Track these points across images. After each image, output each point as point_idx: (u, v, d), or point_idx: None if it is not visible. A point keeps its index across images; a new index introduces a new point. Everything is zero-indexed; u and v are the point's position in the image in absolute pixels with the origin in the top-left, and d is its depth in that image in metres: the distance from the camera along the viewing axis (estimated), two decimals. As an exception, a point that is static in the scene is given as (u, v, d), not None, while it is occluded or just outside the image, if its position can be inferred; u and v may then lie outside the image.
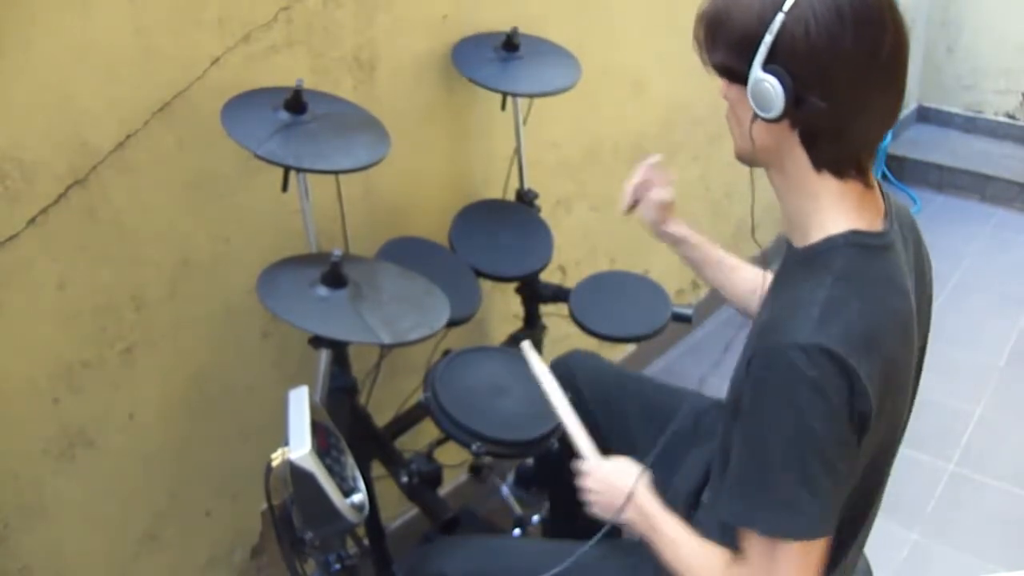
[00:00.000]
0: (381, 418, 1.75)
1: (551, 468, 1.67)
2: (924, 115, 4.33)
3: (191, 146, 1.44)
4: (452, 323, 1.50)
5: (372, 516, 1.60)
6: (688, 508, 1.29)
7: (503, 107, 1.87)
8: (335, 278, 1.35)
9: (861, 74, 0.94)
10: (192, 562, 1.67)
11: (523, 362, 1.60)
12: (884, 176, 3.96)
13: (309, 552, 1.30)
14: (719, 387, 1.34)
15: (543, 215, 1.94)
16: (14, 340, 1.32)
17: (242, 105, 1.41)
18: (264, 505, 1.23)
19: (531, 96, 1.85)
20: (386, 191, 1.78)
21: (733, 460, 1.02)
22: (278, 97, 1.42)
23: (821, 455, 0.95)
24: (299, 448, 1.13)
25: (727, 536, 1.06)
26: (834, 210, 1.01)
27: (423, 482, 1.54)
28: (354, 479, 1.24)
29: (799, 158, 1.00)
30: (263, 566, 1.76)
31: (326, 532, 1.25)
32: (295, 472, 1.13)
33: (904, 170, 3.98)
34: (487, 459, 1.52)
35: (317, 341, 1.42)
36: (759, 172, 1.09)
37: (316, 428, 1.18)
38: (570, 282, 1.93)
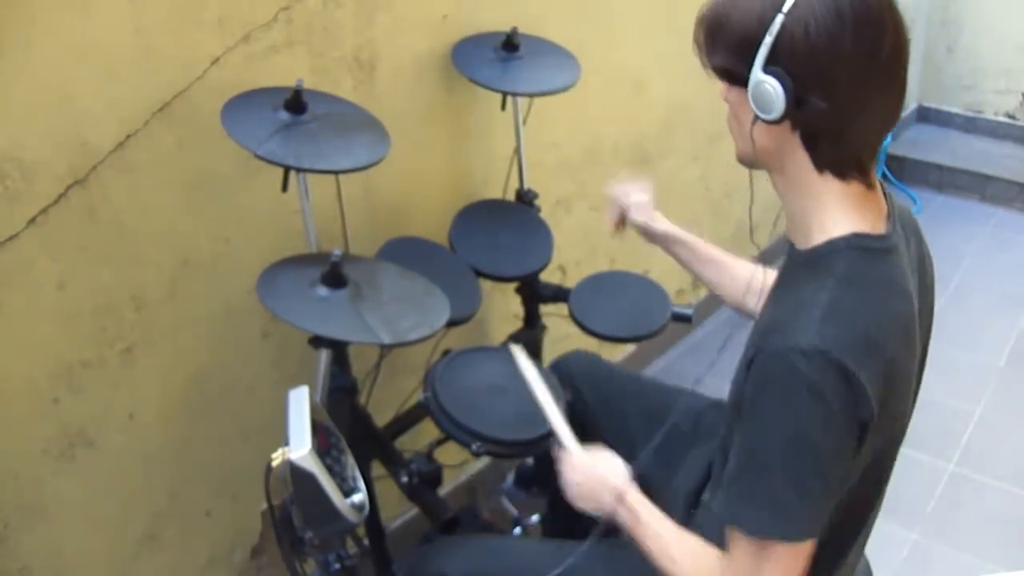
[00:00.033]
0: (381, 418, 1.75)
1: (551, 468, 1.67)
2: (924, 115, 4.33)
3: (191, 146, 1.44)
4: (452, 323, 1.50)
5: (372, 516, 1.60)
6: (688, 508, 1.29)
7: (503, 107, 1.87)
8: (335, 278, 1.35)
9: (861, 75, 0.94)
10: (192, 562, 1.67)
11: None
12: (884, 176, 3.96)
13: (309, 552, 1.30)
14: (715, 387, 1.35)
15: (543, 215, 1.94)
16: (14, 340, 1.32)
17: (242, 105, 1.41)
18: (264, 505, 1.23)
19: (531, 96, 1.85)
20: (386, 191, 1.78)
21: (730, 459, 1.02)
22: (278, 97, 1.42)
23: (814, 459, 0.96)
24: (299, 448, 1.13)
25: (725, 535, 1.06)
26: (836, 211, 1.01)
27: (423, 482, 1.54)
28: (354, 479, 1.24)
29: (800, 159, 1.00)
30: (263, 566, 1.76)
31: (326, 532, 1.25)
32: (295, 472, 1.13)
33: (904, 170, 3.98)
34: (482, 466, 1.51)
35: (317, 341, 1.42)
36: (758, 175, 1.09)
37: (316, 428, 1.18)
38: (570, 282, 1.93)
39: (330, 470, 1.18)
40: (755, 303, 1.35)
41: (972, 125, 4.20)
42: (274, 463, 1.16)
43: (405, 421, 1.78)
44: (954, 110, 4.25)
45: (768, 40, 0.94)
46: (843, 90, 0.94)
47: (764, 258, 1.21)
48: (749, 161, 1.06)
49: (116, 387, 1.45)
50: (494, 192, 1.98)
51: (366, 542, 1.61)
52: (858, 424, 0.96)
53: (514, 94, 1.82)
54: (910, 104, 4.30)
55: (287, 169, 1.39)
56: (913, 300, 1.04)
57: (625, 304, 1.88)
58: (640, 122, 2.44)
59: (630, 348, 2.62)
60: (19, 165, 1.25)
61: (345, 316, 1.32)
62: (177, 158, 1.43)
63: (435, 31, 1.78)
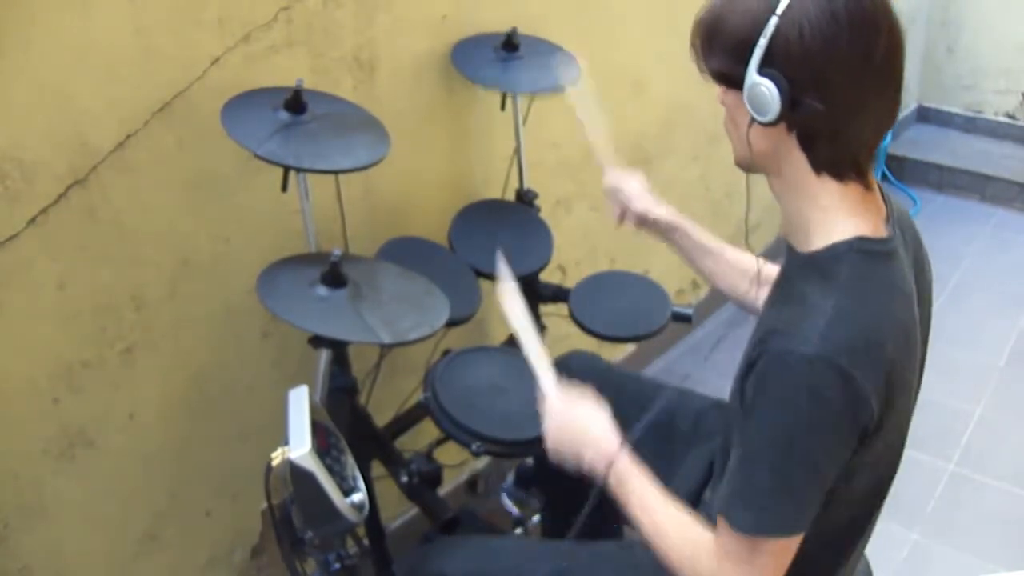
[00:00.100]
0: (381, 418, 1.75)
1: (551, 468, 1.67)
2: (924, 115, 4.33)
3: (191, 146, 1.44)
4: (452, 323, 1.50)
5: (372, 516, 1.60)
6: (688, 507, 1.29)
7: (503, 107, 1.87)
8: (335, 278, 1.35)
9: (856, 76, 0.94)
10: (192, 562, 1.67)
11: (523, 362, 1.60)
12: (884, 176, 3.97)
13: (309, 552, 1.30)
14: (711, 384, 1.35)
15: (543, 215, 1.94)
16: (14, 340, 1.32)
17: (242, 105, 1.41)
18: (264, 505, 1.23)
19: (531, 95, 1.85)
20: (386, 191, 1.78)
21: (731, 456, 1.03)
22: (278, 97, 1.42)
23: (811, 462, 0.97)
24: (299, 448, 1.13)
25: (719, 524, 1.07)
26: (836, 213, 1.01)
27: (423, 482, 1.54)
28: (354, 479, 1.24)
29: (797, 161, 1.01)
30: (263, 566, 1.76)
31: (326, 532, 1.25)
32: (295, 472, 1.13)
33: (904, 170, 3.98)
34: (481, 464, 1.51)
35: (317, 341, 1.42)
36: (755, 179, 1.09)
37: (316, 428, 1.19)
38: (570, 282, 1.93)
39: (330, 470, 1.18)
40: (754, 295, 1.35)
41: (972, 125, 4.20)
42: (274, 463, 1.16)
43: (405, 421, 1.78)
44: (954, 110, 4.25)
45: (762, 42, 0.94)
46: (839, 91, 0.94)
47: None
48: (747, 164, 1.07)
49: (116, 387, 1.45)
50: (494, 192, 1.98)
51: (366, 542, 1.61)
52: (858, 427, 0.97)
53: (514, 94, 1.82)
54: (910, 104, 4.30)
55: (287, 169, 1.39)
56: (914, 303, 1.04)
57: (625, 304, 1.88)
58: (640, 122, 2.44)
59: (630, 348, 2.62)
60: (19, 165, 1.25)
61: (345, 316, 1.32)
62: (177, 158, 1.43)
63: (435, 31, 1.78)
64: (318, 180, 1.53)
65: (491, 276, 1.79)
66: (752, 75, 0.95)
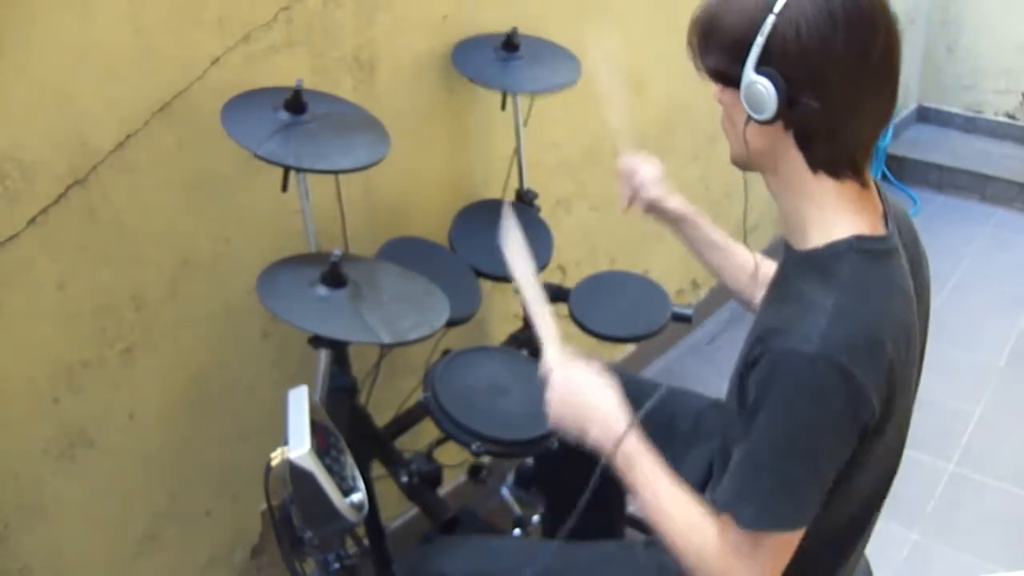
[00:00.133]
0: (381, 418, 1.75)
1: (551, 468, 1.67)
2: (924, 115, 4.34)
3: (191, 146, 1.44)
4: (452, 323, 1.50)
5: (372, 516, 1.60)
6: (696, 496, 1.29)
7: (503, 107, 1.87)
8: (335, 278, 1.35)
9: (853, 75, 0.95)
10: (192, 562, 1.67)
11: (523, 362, 1.61)
12: (884, 176, 3.97)
13: (309, 552, 1.30)
14: (706, 383, 1.34)
15: (543, 215, 1.94)
16: (14, 340, 1.32)
17: (242, 105, 1.41)
18: (264, 505, 1.23)
19: (531, 94, 1.85)
20: (386, 191, 1.78)
21: (733, 455, 1.03)
22: (278, 97, 1.42)
23: (812, 460, 0.97)
24: (299, 447, 1.13)
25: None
26: (833, 212, 1.02)
27: (423, 482, 1.54)
28: (354, 479, 1.24)
29: (794, 159, 1.01)
30: (263, 566, 1.76)
31: (326, 532, 1.25)
32: (295, 472, 1.13)
33: (904, 170, 3.98)
34: (486, 459, 1.51)
35: (317, 341, 1.42)
36: (753, 180, 1.09)
37: (316, 428, 1.18)
38: (570, 282, 1.93)
39: (329, 470, 1.18)
40: (760, 294, 1.35)
41: (972, 125, 4.20)
42: (274, 463, 1.16)
43: (405, 421, 1.78)
44: (954, 110, 4.25)
45: (760, 41, 0.94)
46: (836, 90, 0.95)
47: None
48: (743, 163, 1.07)
49: (116, 387, 1.45)
50: (494, 192, 1.98)
51: (366, 542, 1.61)
52: (859, 425, 0.97)
53: (514, 94, 1.82)
54: (910, 104, 4.30)
55: (287, 169, 1.39)
56: (913, 301, 1.04)
57: (625, 304, 1.88)
58: (640, 122, 2.44)
59: (630, 348, 2.62)
60: (19, 165, 1.25)
61: (345, 316, 1.32)
62: (177, 158, 1.43)
63: (435, 31, 1.78)
64: (318, 180, 1.53)
65: (491, 276, 1.79)
66: (749, 73, 0.96)
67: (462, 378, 1.51)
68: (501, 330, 2.07)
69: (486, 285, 1.83)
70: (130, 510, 1.54)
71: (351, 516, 1.19)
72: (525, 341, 1.93)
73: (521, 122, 1.88)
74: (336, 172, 1.47)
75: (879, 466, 1.08)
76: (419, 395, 1.51)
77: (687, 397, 1.53)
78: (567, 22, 2.03)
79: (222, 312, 1.56)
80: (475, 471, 1.62)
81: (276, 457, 1.16)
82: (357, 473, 1.25)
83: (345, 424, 1.49)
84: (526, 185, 1.93)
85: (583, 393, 1.16)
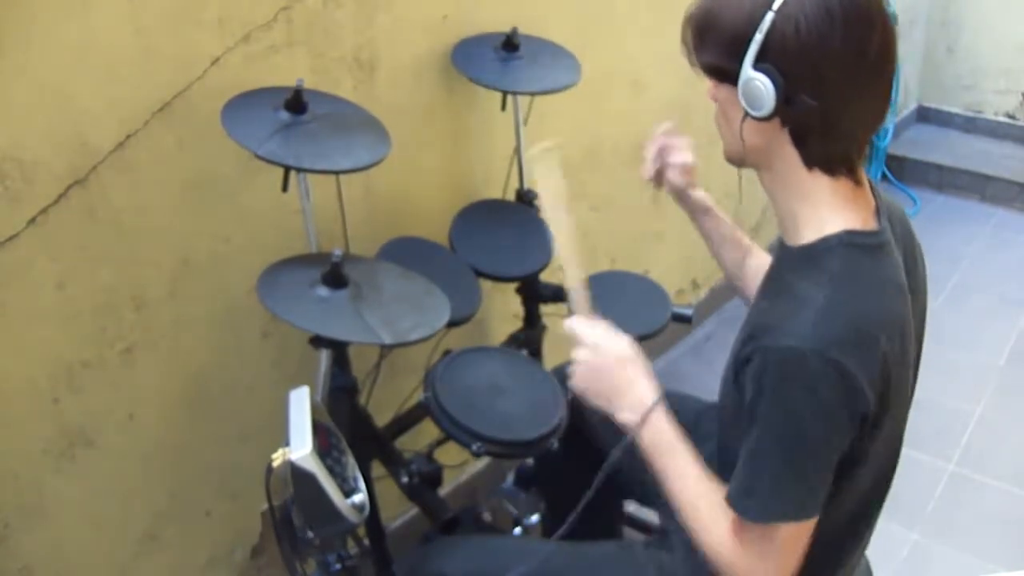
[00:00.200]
0: (381, 418, 1.75)
1: (551, 468, 1.67)
2: (924, 115, 4.34)
3: (191, 146, 1.43)
4: (452, 323, 1.50)
5: (372, 516, 1.60)
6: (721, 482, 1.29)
7: (503, 107, 1.87)
8: (335, 278, 1.35)
9: (850, 72, 0.95)
10: (192, 562, 1.67)
11: (523, 362, 1.61)
12: (884, 176, 3.97)
13: (309, 552, 1.30)
14: (706, 383, 1.34)
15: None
16: (14, 340, 1.32)
17: (242, 105, 1.41)
18: (264, 505, 1.23)
19: (531, 94, 1.85)
20: (386, 191, 1.78)
21: (740, 456, 1.03)
22: (278, 97, 1.42)
23: (813, 452, 0.98)
24: (300, 448, 1.13)
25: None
26: (827, 208, 1.02)
27: (423, 482, 1.54)
28: (354, 479, 1.24)
29: (789, 156, 1.01)
30: (263, 566, 1.76)
31: (326, 532, 1.25)
32: (296, 472, 1.13)
33: (904, 170, 3.98)
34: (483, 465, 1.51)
35: (317, 341, 1.42)
36: (750, 180, 1.09)
37: (317, 428, 1.19)
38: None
39: (330, 470, 1.18)
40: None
41: (972, 125, 4.20)
42: (275, 463, 1.16)
43: (405, 421, 1.78)
44: (954, 110, 4.25)
45: (759, 37, 0.94)
46: (832, 87, 0.95)
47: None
48: (738, 159, 1.07)
49: (116, 387, 1.45)
50: (494, 192, 1.98)
51: (366, 542, 1.61)
52: (857, 415, 0.98)
53: (514, 93, 1.82)
54: (910, 104, 4.30)
55: (287, 169, 1.39)
56: (907, 295, 1.05)
57: (625, 304, 1.88)
58: (640, 122, 2.43)
59: (630, 348, 2.62)
60: (19, 165, 1.25)
61: (345, 316, 1.32)
62: (177, 158, 1.43)
63: (435, 31, 1.78)
64: (318, 180, 1.53)
65: (491, 276, 1.79)
66: (747, 70, 0.96)
67: (462, 378, 1.51)
68: (501, 330, 2.07)
69: (486, 285, 1.83)
70: (130, 510, 1.54)
71: (352, 517, 1.19)
72: (525, 341, 1.93)
73: (521, 122, 1.88)
74: (336, 172, 1.47)
75: (877, 462, 1.08)
76: (419, 395, 1.51)
77: (687, 398, 1.53)
78: (567, 22, 2.04)
79: (222, 312, 1.56)
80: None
81: (278, 458, 1.16)
82: (358, 474, 1.25)
83: (345, 424, 1.49)
84: (526, 185, 1.93)
85: (615, 367, 1.14)
